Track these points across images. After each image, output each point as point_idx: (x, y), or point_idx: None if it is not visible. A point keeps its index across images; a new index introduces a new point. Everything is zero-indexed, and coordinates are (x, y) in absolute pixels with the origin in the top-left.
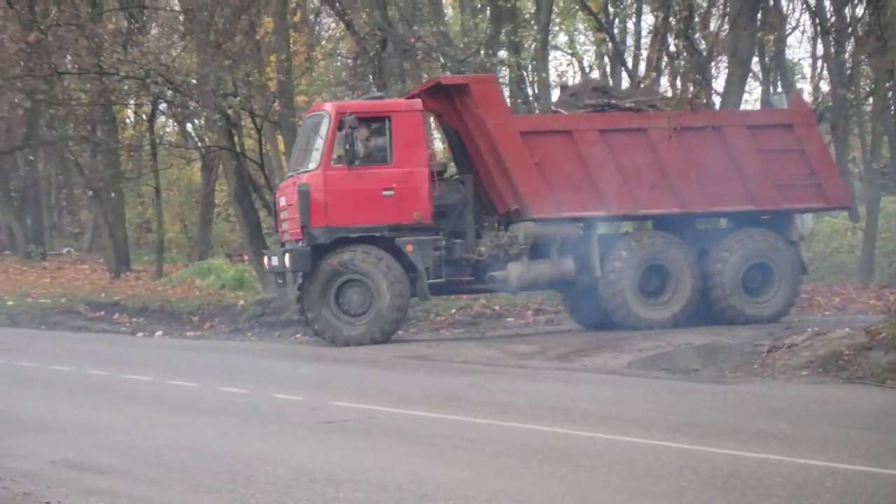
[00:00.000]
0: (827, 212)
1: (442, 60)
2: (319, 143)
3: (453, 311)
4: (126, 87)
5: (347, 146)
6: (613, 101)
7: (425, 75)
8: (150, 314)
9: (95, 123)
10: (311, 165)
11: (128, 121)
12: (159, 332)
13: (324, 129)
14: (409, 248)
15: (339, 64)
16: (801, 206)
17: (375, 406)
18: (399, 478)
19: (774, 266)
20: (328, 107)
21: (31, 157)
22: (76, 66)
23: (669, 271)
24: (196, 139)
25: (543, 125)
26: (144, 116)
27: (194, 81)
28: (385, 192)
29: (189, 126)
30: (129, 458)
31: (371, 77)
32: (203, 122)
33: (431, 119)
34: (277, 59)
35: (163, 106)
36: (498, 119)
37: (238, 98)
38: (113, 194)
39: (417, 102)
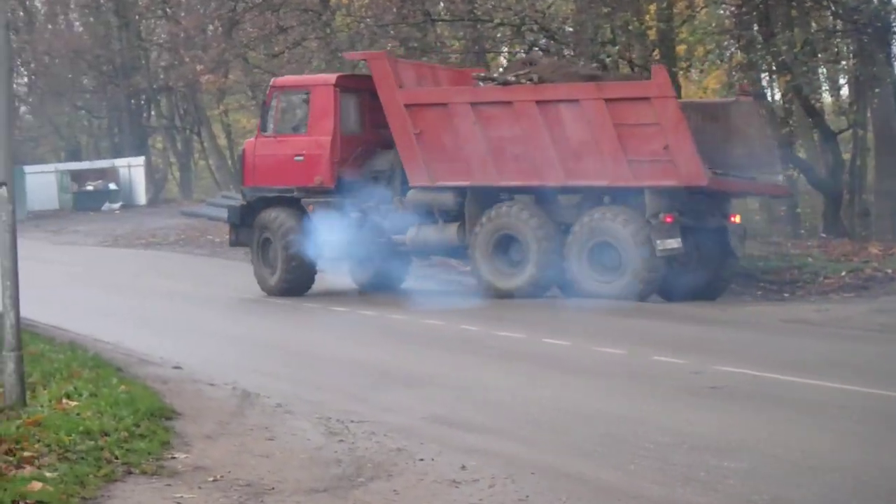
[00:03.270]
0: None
1: (833, 8)
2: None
3: (843, 273)
4: (500, 35)
5: (263, 116)
6: (495, 75)
7: (813, 24)
8: None
9: None
10: (255, 133)
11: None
12: None
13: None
14: (311, 208)
15: (722, 12)
16: (653, 183)
17: (760, 371)
18: (785, 449)
19: (617, 245)
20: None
21: None
22: (449, 12)
23: (520, 242)
24: None
25: (423, 98)
26: None
27: (570, 29)
28: (297, 158)
29: None
30: (499, 416)
31: (756, 25)
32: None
33: None
34: (657, 7)
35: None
36: (387, 91)
37: (616, 47)
38: None
39: (331, 77)
